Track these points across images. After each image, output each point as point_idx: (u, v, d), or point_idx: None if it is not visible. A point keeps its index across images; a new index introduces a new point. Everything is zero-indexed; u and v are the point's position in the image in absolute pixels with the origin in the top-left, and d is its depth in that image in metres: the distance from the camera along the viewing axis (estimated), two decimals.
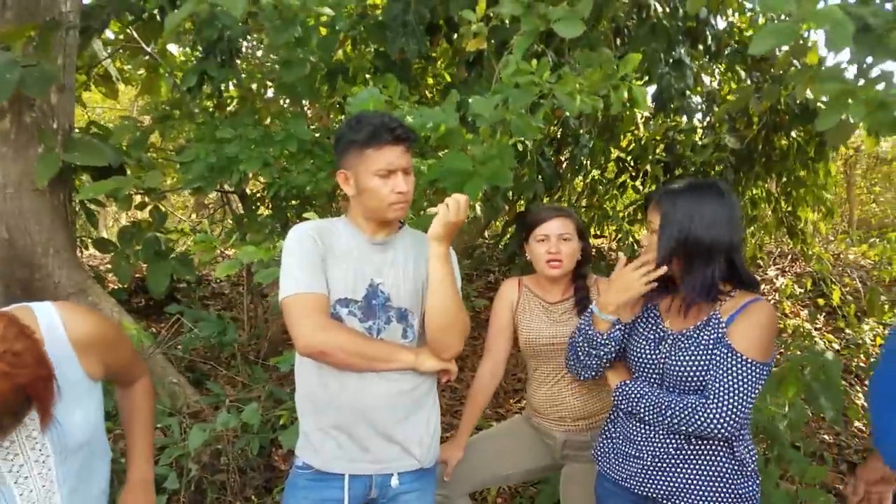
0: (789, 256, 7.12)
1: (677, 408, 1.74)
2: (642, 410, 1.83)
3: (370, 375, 1.87)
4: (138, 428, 1.83)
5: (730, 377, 1.70)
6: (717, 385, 1.70)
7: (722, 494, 1.77)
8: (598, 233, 5.73)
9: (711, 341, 1.77)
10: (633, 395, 1.86)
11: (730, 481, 1.78)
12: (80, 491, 1.57)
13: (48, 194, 3.65)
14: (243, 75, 3.95)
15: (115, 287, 4.96)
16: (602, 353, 1.94)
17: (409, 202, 1.94)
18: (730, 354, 1.72)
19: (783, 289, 6.18)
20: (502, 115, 2.15)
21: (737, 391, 1.69)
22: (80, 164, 3.68)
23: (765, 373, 1.72)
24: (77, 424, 1.52)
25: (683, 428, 1.74)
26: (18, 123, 3.57)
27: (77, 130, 3.96)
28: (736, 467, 1.79)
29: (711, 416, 1.69)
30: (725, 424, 1.68)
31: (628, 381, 1.92)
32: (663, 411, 1.77)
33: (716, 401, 1.69)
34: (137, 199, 4.17)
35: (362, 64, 3.48)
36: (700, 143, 4.81)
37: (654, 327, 1.93)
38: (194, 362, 4.31)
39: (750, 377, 1.69)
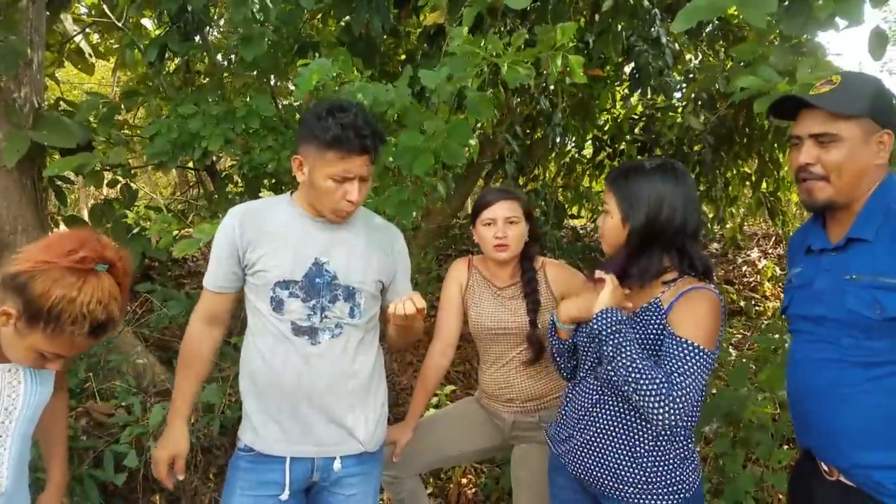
0: (773, 238, 7.07)
1: (644, 374, 1.59)
2: (610, 346, 1.66)
3: (314, 357, 1.85)
4: (61, 435, 1.87)
5: (683, 366, 1.60)
6: (676, 374, 1.59)
7: (642, 478, 1.72)
8: (575, 213, 5.68)
9: (655, 328, 1.70)
10: (615, 321, 1.68)
11: (651, 465, 1.72)
12: (20, 457, 1.58)
13: (16, 171, 3.59)
14: (212, 49, 3.88)
15: None
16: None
17: (356, 207, 1.89)
18: (678, 344, 1.63)
19: (764, 271, 6.14)
20: (450, 87, 2.10)
21: (691, 379, 1.58)
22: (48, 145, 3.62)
23: (710, 361, 1.62)
24: (48, 386, 1.60)
25: (634, 397, 1.61)
26: None
27: (46, 107, 3.90)
28: (661, 452, 1.72)
29: (670, 400, 1.56)
30: (678, 412, 1.57)
31: (615, 309, 1.72)
32: (630, 369, 1.61)
33: (678, 387, 1.58)
34: (109, 176, 4.13)
35: (329, 39, 3.41)
36: (670, 123, 4.74)
37: None
38: (167, 341, 4.29)
39: (700, 365, 1.60)
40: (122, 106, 4.00)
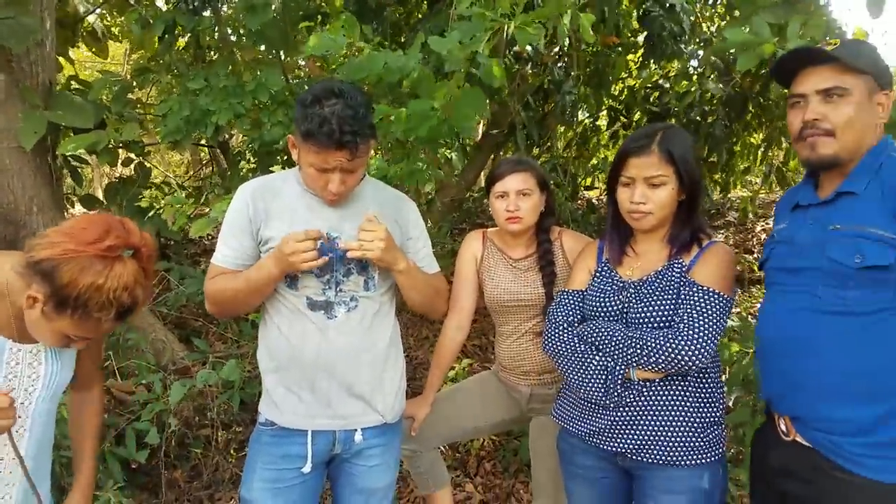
0: None
1: (648, 341, 1.70)
2: (610, 345, 1.76)
3: (331, 330, 1.85)
4: (92, 432, 1.85)
5: (698, 310, 1.69)
6: (686, 318, 1.69)
7: (689, 441, 1.74)
8: (590, 184, 5.60)
9: (675, 283, 1.76)
10: (599, 332, 1.80)
11: (697, 427, 1.74)
12: (41, 437, 1.60)
13: (29, 151, 3.60)
14: (221, 23, 3.84)
15: None
16: None
17: (346, 194, 1.86)
18: (697, 290, 1.72)
19: None
20: (462, 54, 2.05)
21: (705, 322, 1.67)
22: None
23: (729, 305, 1.73)
24: (68, 368, 1.62)
25: (654, 361, 1.69)
26: None
27: (58, 86, 3.90)
28: (706, 411, 1.76)
29: (683, 347, 1.66)
30: (697, 355, 1.66)
31: (593, 321, 1.86)
32: (634, 345, 1.72)
33: (687, 332, 1.67)
34: (123, 154, 4.13)
35: (337, 8, 3.35)
36: (682, 91, 4.63)
37: (609, 279, 1.89)
38: (185, 319, 4.32)
39: (716, 308, 1.69)
40: (135, 84, 3.99)
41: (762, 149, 5.38)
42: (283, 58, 3.82)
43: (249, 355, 3.68)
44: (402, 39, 4.09)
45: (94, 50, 4.98)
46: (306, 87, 3.47)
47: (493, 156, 5.10)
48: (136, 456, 2.95)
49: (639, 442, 1.76)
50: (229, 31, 3.95)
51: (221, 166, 4.71)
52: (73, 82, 4.15)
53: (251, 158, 4.15)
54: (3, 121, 3.51)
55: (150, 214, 4.11)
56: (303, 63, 4.41)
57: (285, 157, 4.03)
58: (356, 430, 1.91)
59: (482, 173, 5.50)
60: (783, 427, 1.63)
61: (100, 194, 5.41)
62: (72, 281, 1.33)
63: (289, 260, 1.73)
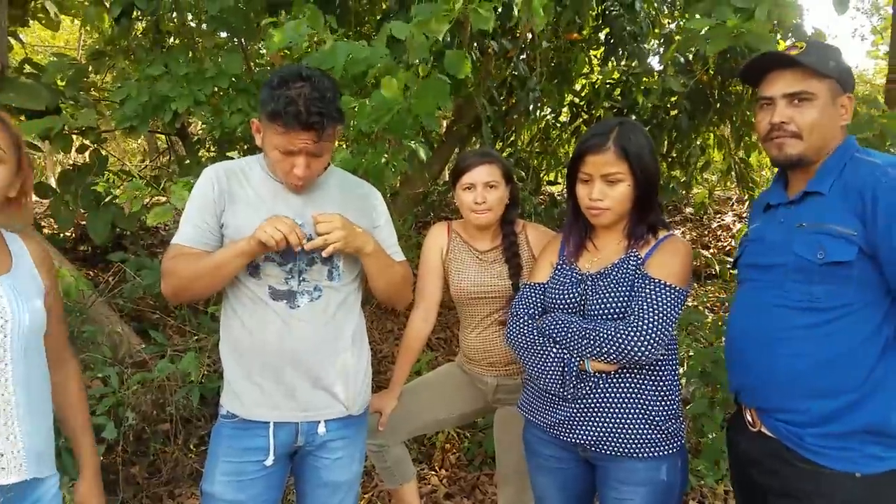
0: (748, 202, 7.13)
1: (600, 332, 1.72)
2: (566, 337, 1.78)
3: (294, 320, 1.82)
4: (82, 411, 1.80)
5: (649, 302, 1.71)
6: (638, 310, 1.71)
7: (646, 434, 1.76)
8: (552, 179, 5.64)
9: (630, 276, 1.78)
10: (556, 324, 1.82)
11: (653, 420, 1.76)
12: (30, 374, 1.54)
13: None
14: (182, 7, 3.73)
15: (56, 233, 4.83)
16: None
17: (311, 180, 1.82)
18: (649, 282, 1.74)
19: (737, 235, 6.20)
20: (422, 39, 2.04)
21: (656, 314, 1.69)
22: (16, 107, 3.49)
23: (682, 297, 1.75)
24: (36, 301, 1.56)
25: (606, 352, 1.71)
26: None
27: (11, 69, 3.76)
28: (662, 405, 1.78)
29: (633, 338, 1.68)
30: (647, 346, 1.68)
31: (552, 314, 1.87)
32: (587, 336, 1.74)
33: (637, 323, 1.69)
34: (78, 142, 4.01)
35: None
36: (646, 87, 4.69)
37: (568, 272, 1.91)
38: (142, 311, 4.21)
39: (667, 300, 1.71)
40: (90, 68, 3.87)
41: (724, 145, 5.49)
42: (245, 45, 3.75)
43: (209, 349, 3.61)
44: (365, 30, 4.05)
45: (44, 23, 4.78)
46: (268, 76, 3.44)
47: (457, 149, 5.10)
48: None
49: (597, 434, 1.78)
50: (189, 16, 3.85)
51: (179, 154, 4.60)
52: (26, 65, 4.01)
53: (211, 146, 4.06)
54: None
55: (105, 201, 4.00)
56: (264, 52, 4.32)
57: (245, 146, 3.96)
58: (319, 422, 1.88)
59: (447, 166, 5.50)
60: (749, 418, 1.68)
61: (53, 182, 5.26)
62: None
63: (258, 229, 1.69)
